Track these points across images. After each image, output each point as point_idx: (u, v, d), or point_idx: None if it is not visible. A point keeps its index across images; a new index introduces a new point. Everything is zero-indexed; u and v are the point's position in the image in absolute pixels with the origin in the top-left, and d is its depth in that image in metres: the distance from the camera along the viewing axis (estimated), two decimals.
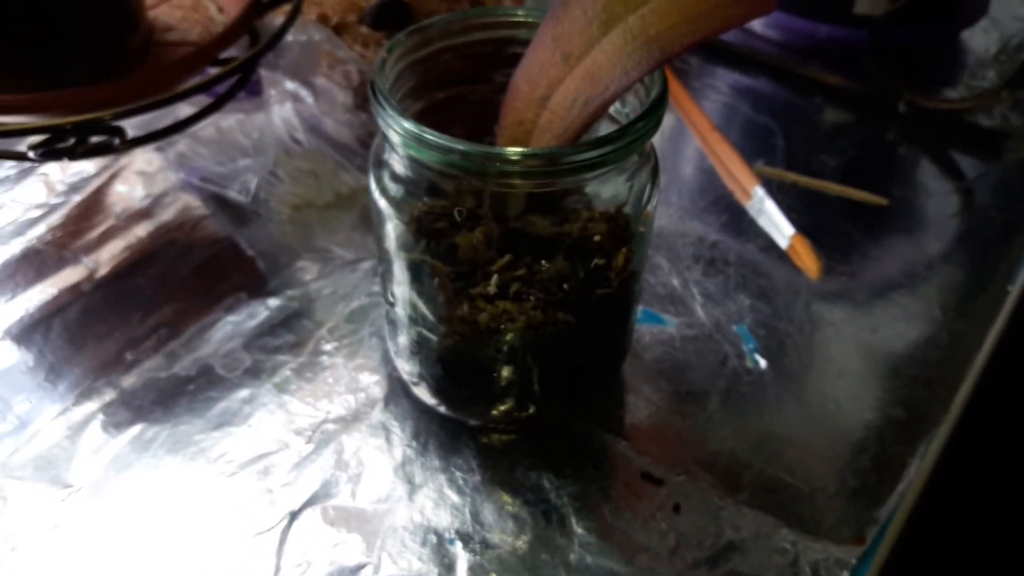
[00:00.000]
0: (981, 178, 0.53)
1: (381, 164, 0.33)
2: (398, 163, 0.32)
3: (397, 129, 0.30)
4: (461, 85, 0.37)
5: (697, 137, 0.54)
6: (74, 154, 0.39)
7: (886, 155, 0.55)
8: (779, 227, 0.47)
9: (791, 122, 0.57)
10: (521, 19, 0.35)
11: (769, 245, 0.47)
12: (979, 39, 0.65)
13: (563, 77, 0.32)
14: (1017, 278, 0.46)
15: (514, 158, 0.29)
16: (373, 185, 0.33)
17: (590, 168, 0.30)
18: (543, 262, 0.32)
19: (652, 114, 0.30)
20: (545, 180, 0.30)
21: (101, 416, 0.39)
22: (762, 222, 0.48)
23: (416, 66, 0.34)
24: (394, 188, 0.33)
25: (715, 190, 0.51)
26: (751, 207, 0.49)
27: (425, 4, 0.61)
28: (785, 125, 0.56)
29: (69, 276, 0.45)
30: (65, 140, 0.38)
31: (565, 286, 0.32)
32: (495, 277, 0.32)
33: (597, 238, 0.32)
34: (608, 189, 0.33)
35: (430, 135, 0.29)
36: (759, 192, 0.49)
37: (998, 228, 0.49)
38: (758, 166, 0.52)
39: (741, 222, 0.49)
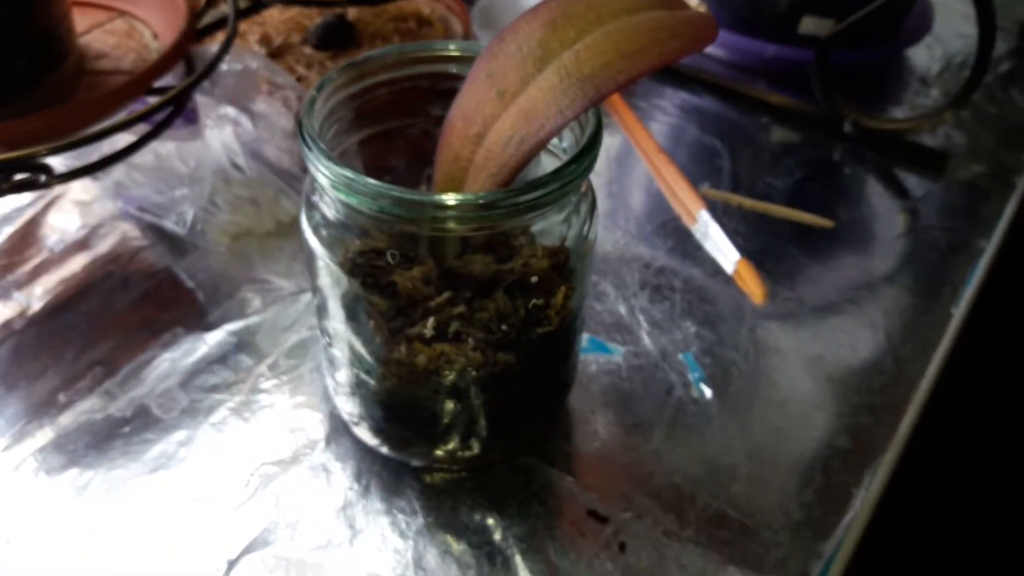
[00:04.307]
0: (926, 197, 0.53)
1: (312, 205, 0.32)
2: (328, 205, 0.31)
3: (325, 172, 0.29)
4: (398, 118, 0.36)
5: (644, 159, 0.54)
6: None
7: (832, 176, 0.55)
8: (724, 252, 0.47)
9: (738, 142, 0.57)
10: (456, 53, 0.34)
11: (716, 270, 0.47)
12: (923, 56, 0.65)
13: (498, 114, 0.31)
14: (960, 300, 0.46)
15: (448, 203, 0.28)
16: (305, 224, 0.33)
17: (526, 211, 0.29)
18: (483, 301, 0.32)
19: (585, 155, 0.30)
20: (480, 224, 0.30)
21: (33, 462, 0.37)
22: (708, 246, 0.48)
23: (351, 100, 0.34)
24: (325, 230, 0.32)
25: (662, 214, 0.51)
26: (697, 231, 0.49)
27: (370, 24, 0.60)
28: (732, 145, 0.56)
29: (0, 313, 0.44)
30: None
31: (504, 327, 0.32)
32: (431, 319, 0.31)
33: (534, 279, 0.31)
34: (547, 226, 0.32)
35: (360, 180, 0.28)
36: (704, 216, 0.49)
37: (942, 249, 0.49)
38: (704, 188, 0.52)
39: (687, 246, 0.49)
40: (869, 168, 0.55)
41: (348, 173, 0.28)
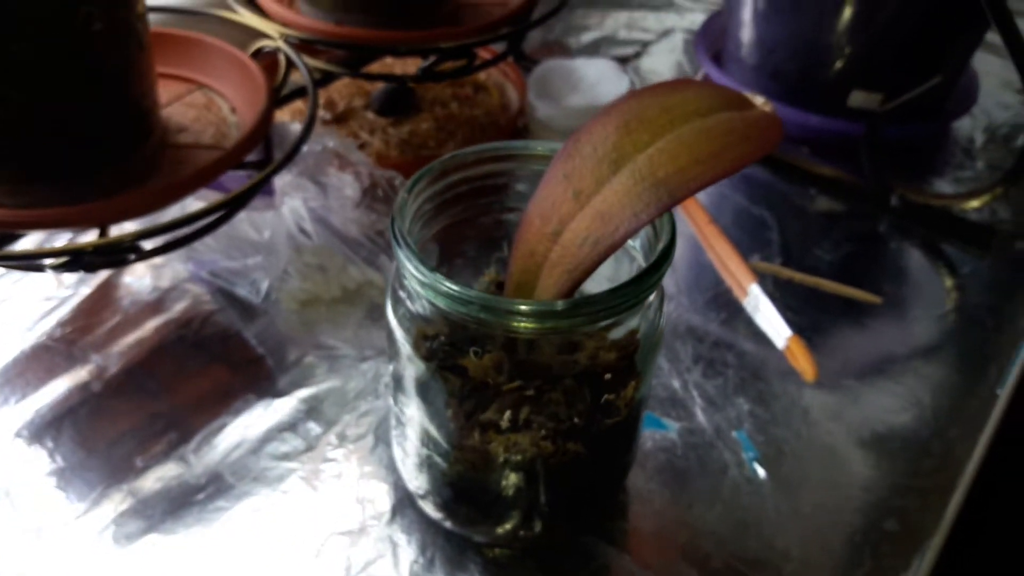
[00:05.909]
0: (972, 274, 0.54)
1: (398, 299, 0.34)
2: (414, 301, 0.33)
3: (416, 275, 0.30)
4: (473, 209, 0.38)
5: (695, 230, 0.56)
6: (92, 267, 0.40)
7: (879, 249, 0.56)
8: (775, 327, 0.48)
9: (786, 213, 0.58)
10: (534, 152, 0.36)
11: (767, 342, 0.48)
12: (966, 126, 0.67)
13: (574, 214, 0.32)
14: (1006, 380, 0.47)
15: (526, 310, 0.30)
16: (390, 312, 0.34)
17: (604, 317, 0.31)
18: (552, 391, 0.33)
19: (662, 263, 0.31)
20: (558, 328, 0.31)
21: (113, 527, 0.39)
22: (758, 320, 0.49)
23: (434, 197, 0.36)
24: (408, 321, 0.34)
25: (714, 285, 0.52)
26: (747, 304, 0.50)
27: (430, 90, 0.62)
28: (780, 216, 0.58)
29: (79, 375, 0.46)
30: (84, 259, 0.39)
31: (576, 419, 0.33)
32: (508, 412, 0.33)
33: (608, 376, 0.33)
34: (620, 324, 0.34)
35: (446, 285, 0.30)
36: (755, 290, 0.50)
37: (989, 328, 0.50)
38: (754, 261, 0.53)
39: (739, 319, 0.50)
40: (915, 243, 0.56)
41: (438, 279, 0.30)
